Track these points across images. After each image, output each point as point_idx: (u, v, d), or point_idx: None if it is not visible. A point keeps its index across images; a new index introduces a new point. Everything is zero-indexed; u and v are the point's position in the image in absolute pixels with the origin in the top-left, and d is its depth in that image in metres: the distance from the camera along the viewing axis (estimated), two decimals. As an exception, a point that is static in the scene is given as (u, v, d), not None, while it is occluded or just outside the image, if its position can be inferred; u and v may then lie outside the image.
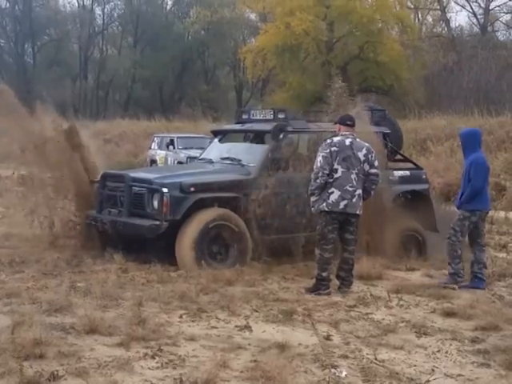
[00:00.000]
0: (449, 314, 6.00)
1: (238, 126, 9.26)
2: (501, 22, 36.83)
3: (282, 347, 4.87)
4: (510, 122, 20.50)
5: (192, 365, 4.47)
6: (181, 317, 5.61)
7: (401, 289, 6.78)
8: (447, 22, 36.58)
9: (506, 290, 6.98)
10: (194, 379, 4.14)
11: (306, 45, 29.73)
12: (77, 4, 48.25)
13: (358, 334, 5.35)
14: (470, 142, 7.24)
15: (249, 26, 42.05)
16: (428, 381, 4.35)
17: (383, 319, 5.79)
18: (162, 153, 21.12)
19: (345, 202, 6.65)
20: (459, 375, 4.51)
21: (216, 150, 9.19)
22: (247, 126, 8.98)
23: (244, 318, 5.66)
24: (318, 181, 6.67)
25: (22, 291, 6.08)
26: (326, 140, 6.86)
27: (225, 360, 4.52)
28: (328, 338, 5.21)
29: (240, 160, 8.41)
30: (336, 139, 6.77)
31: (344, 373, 4.44)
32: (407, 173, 8.97)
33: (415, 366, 4.67)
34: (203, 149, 21.18)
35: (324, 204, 6.68)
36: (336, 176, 6.67)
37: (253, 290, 6.63)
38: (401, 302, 6.37)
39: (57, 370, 4.18)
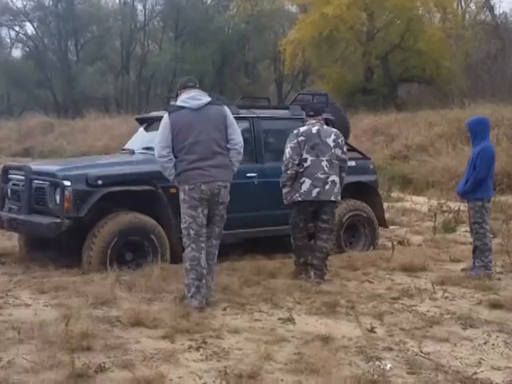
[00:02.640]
0: (495, 305, 5.92)
1: (163, 113, 8.61)
2: (546, 7, 35.93)
3: (326, 339, 4.87)
4: (556, 109, 20.03)
5: (236, 357, 4.51)
6: (224, 309, 5.65)
7: (445, 280, 6.71)
8: (491, 8, 35.81)
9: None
10: (239, 371, 4.17)
11: (344, 35, 29.46)
12: (118, 1, 48.71)
13: (402, 326, 5.31)
14: (479, 130, 7.14)
15: (289, 18, 41.83)
16: (475, 373, 4.30)
17: (428, 311, 5.74)
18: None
19: (317, 189, 6.70)
20: (506, 367, 4.45)
21: (140, 139, 8.31)
22: None
23: (287, 310, 5.67)
24: (288, 172, 6.75)
25: (68, 285, 6.19)
26: (292, 131, 6.91)
27: (268, 352, 4.54)
28: (372, 330, 5.18)
29: None
30: (302, 129, 6.86)
31: (389, 365, 4.42)
32: (352, 163, 7.99)
33: (461, 358, 4.63)
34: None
35: (297, 194, 6.77)
36: (306, 165, 6.73)
37: (295, 282, 6.63)
38: (446, 294, 6.30)
39: (104, 362, 4.26)
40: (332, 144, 6.82)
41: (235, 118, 7.97)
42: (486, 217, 7.14)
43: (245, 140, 7.73)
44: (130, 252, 6.92)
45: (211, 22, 42.45)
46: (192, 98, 5.78)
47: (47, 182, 6.90)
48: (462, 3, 36.15)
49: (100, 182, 6.77)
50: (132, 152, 7.99)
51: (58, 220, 6.65)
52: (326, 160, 6.76)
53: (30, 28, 47.61)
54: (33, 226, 6.91)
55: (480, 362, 4.54)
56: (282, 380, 4.15)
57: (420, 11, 30.68)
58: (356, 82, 30.49)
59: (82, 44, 48.14)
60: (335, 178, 6.79)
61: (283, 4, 41.67)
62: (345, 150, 6.96)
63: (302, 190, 6.75)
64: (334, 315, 5.57)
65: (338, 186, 6.82)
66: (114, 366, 4.25)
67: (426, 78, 29.64)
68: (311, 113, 7.01)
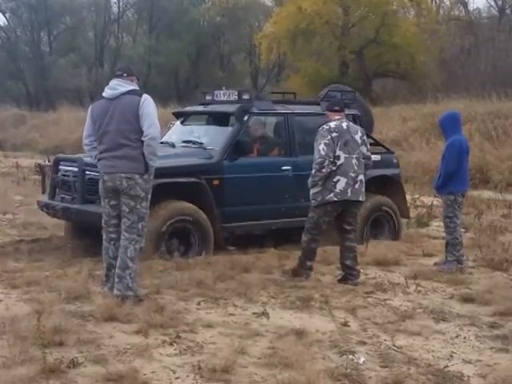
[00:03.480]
0: (467, 299, 5.99)
1: (200, 108, 8.93)
2: (519, 3, 36.30)
3: (300, 334, 4.88)
4: (528, 105, 20.28)
5: (210, 351, 4.50)
6: (198, 304, 5.64)
7: (418, 274, 6.77)
8: (465, 4, 36.13)
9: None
10: (213, 366, 4.17)
11: (320, 29, 29.51)
12: (92, -8, 48.25)
13: (375, 320, 5.35)
14: (449, 125, 7.19)
15: (264, 12, 41.79)
16: (446, 366, 4.35)
17: (401, 305, 5.79)
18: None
19: (351, 188, 6.41)
20: (477, 361, 4.50)
21: (178, 132, 8.77)
22: (210, 108, 8.64)
23: (261, 304, 5.68)
24: (323, 170, 6.34)
25: (41, 279, 6.13)
26: (321, 127, 6.52)
27: (242, 347, 4.54)
28: (345, 324, 5.21)
29: (202, 143, 8.11)
30: (333, 124, 6.49)
31: (362, 359, 4.45)
32: (378, 157, 8.44)
33: (433, 351, 4.67)
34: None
35: (332, 194, 6.38)
36: (339, 163, 6.39)
37: (269, 276, 6.64)
38: (418, 288, 6.35)
39: (76, 357, 4.23)
40: (360, 141, 6.54)
41: (271, 113, 8.38)
42: (457, 211, 7.19)
43: (279, 134, 8.33)
44: (177, 240, 7.24)
45: (186, 15, 42.26)
46: (110, 87, 5.65)
47: (100, 174, 6.96)
48: (436, -1, 36.38)
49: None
50: (173, 145, 8.26)
51: None
52: (356, 158, 6.47)
53: (1, 19, 47.29)
54: (87, 215, 7.10)
55: (452, 356, 4.59)
56: (256, 374, 4.16)
57: (395, 6, 30.85)
58: (331, 76, 30.53)
59: (54, 35, 47.67)
60: (362, 177, 6.53)
61: (258, -3, 41.64)
62: (369, 147, 6.75)
63: (337, 190, 6.37)
64: (308, 309, 5.59)
65: (363, 185, 6.57)
66: (86, 361, 4.22)
67: (400, 73, 29.85)
68: (336, 108, 6.67)
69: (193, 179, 7.35)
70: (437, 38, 30.82)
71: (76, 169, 7.43)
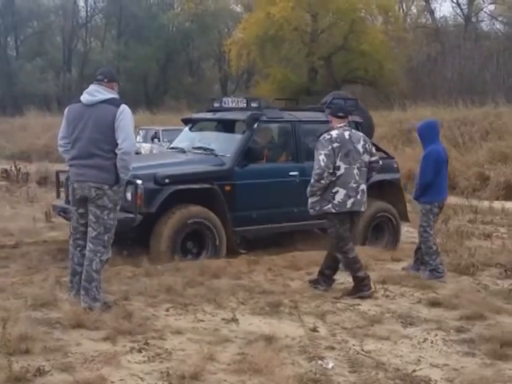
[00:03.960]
0: (434, 303, 6.04)
1: (210, 115, 9.06)
2: (485, 12, 36.97)
3: (269, 339, 4.88)
4: (493, 112, 20.63)
5: (179, 358, 4.48)
6: (167, 310, 5.60)
7: (386, 279, 6.81)
8: (431, 12, 36.67)
9: (491, 280, 7.02)
10: (181, 372, 4.15)
11: (289, 35, 29.67)
12: (59, -4, 47.85)
13: (344, 325, 5.37)
14: (426, 134, 7.19)
15: (233, 18, 41.89)
16: (414, 371, 4.38)
17: (369, 310, 5.82)
18: (147, 146, 21.04)
19: (351, 200, 6.28)
20: (445, 365, 4.54)
21: (187, 139, 9.01)
22: (220, 115, 8.79)
23: (230, 310, 5.67)
24: (322, 182, 6.21)
25: (6, 286, 6.04)
26: (323, 136, 6.37)
27: (212, 353, 4.53)
28: (314, 329, 5.22)
29: (213, 150, 8.29)
30: (335, 133, 6.31)
31: (331, 364, 4.46)
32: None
33: (401, 356, 4.70)
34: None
35: (330, 205, 6.28)
36: (339, 173, 6.25)
37: (239, 282, 6.63)
38: (386, 293, 6.40)
39: (43, 366, 4.16)
40: (361, 150, 6.38)
41: (279, 121, 8.52)
42: (431, 221, 7.13)
43: (287, 141, 8.65)
44: (192, 243, 7.47)
45: (155, 20, 42.21)
46: (88, 92, 5.52)
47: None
48: (404, 6, 36.85)
49: (167, 181, 7.33)
50: (183, 151, 8.55)
51: (132, 215, 7.09)
52: (357, 168, 6.33)
53: (-33, 23, 46.40)
54: None
55: (419, 360, 4.63)
56: (225, 380, 4.14)
57: (363, 13, 31.17)
58: (300, 82, 30.77)
59: (21, 40, 47.21)
60: (364, 186, 6.42)
61: (228, 3, 41.73)
62: (373, 151, 6.61)
63: (335, 201, 6.26)
64: (278, 315, 5.59)
65: (365, 194, 6.46)
66: (53, 369, 4.16)
67: (368, 80, 30.16)
68: (340, 114, 6.48)
69: (206, 185, 7.58)
70: (404, 45, 31.21)
71: None
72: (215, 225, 7.51)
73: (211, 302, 5.85)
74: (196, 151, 8.44)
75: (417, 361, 4.61)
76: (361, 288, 6.29)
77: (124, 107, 5.42)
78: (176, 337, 4.93)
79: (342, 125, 6.43)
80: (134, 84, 43.55)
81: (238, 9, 43.28)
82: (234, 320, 5.39)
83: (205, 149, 8.41)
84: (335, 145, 6.24)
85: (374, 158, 6.56)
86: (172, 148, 9.09)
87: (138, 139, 22.07)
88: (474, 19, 36.28)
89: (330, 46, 30.00)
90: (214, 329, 5.17)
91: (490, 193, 15.77)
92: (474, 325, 5.40)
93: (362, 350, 4.77)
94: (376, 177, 7.82)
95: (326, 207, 6.31)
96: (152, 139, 20.82)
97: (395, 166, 9.32)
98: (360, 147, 6.39)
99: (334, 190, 6.27)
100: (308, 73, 30.81)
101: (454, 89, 25.82)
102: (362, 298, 6.17)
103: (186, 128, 9.30)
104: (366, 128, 8.76)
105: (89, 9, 47.11)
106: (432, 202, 7.12)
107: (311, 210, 6.45)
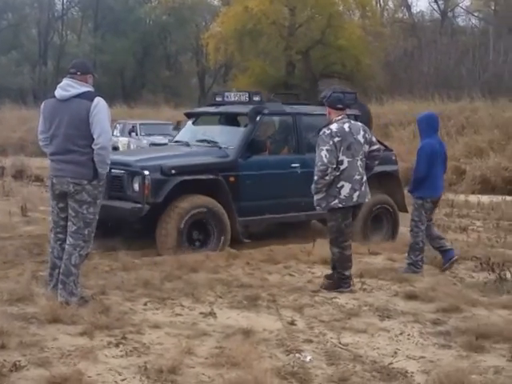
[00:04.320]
0: (411, 296, 6.08)
1: (212, 109, 9.27)
2: (461, 7, 37.27)
3: (247, 333, 4.88)
4: (469, 107, 20.82)
5: (157, 352, 4.46)
6: (145, 304, 5.58)
7: (364, 273, 6.84)
8: (408, 7, 36.89)
9: (467, 273, 7.09)
10: (159, 367, 4.13)
11: (267, 29, 29.66)
12: (35, -12, 47.29)
13: (322, 318, 5.39)
14: (424, 126, 7.17)
15: (211, 11, 41.76)
16: (391, 363, 4.41)
17: (347, 303, 5.85)
18: (125, 139, 20.95)
19: (357, 193, 6.22)
20: (421, 357, 4.58)
21: (191, 132, 9.24)
22: (223, 109, 8.99)
23: (208, 304, 5.66)
24: (326, 178, 6.12)
25: (-18, 281, 5.99)
26: (323, 130, 6.27)
27: (189, 347, 4.52)
28: (292, 322, 5.24)
29: (217, 142, 8.51)
30: (334, 127, 6.21)
31: (308, 357, 4.48)
32: None
33: (378, 348, 4.73)
34: (166, 135, 21.18)
35: (336, 201, 6.19)
36: (342, 168, 6.17)
37: (217, 276, 6.62)
38: (364, 286, 6.43)
39: (19, 361, 4.13)
40: (362, 141, 6.29)
41: (281, 114, 8.72)
42: (423, 216, 7.05)
43: (288, 134, 8.84)
44: (197, 232, 7.66)
45: (132, 13, 41.94)
46: (61, 87, 5.45)
47: (125, 172, 7.59)
48: (381, 1, 37.02)
49: (173, 172, 7.53)
50: (187, 144, 8.75)
51: (140, 205, 7.36)
52: (360, 159, 6.27)
53: None
54: (115, 210, 7.44)
55: (396, 352, 4.66)
56: (203, 374, 4.14)
57: (340, 8, 31.23)
58: (278, 76, 30.77)
59: (-4, 32, 46.58)
60: (365, 177, 6.37)
61: (205, -4, 41.56)
62: (373, 140, 6.47)
63: (341, 196, 6.18)
64: (256, 308, 5.60)
65: (367, 185, 6.41)
66: (29, 364, 4.13)
67: (346, 74, 30.24)
68: (339, 105, 6.38)
69: (211, 176, 7.80)
70: (381, 40, 31.33)
71: None
72: (220, 215, 7.69)
73: (189, 296, 5.84)
74: (200, 144, 8.67)
75: (393, 353, 4.64)
76: (341, 284, 6.28)
77: (98, 100, 5.35)
78: (154, 331, 4.91)
79: (340, 117, 6.34)
80: (110, 77, 43.23)
81: (216, 2, 43.22)
82: (212, 314, 5.38)
83: (208, 141, 8.64)
84: (336, 139, 6.15)
85: (374, 147, 6.46)
86: (176, 141, 9.30)
87: (115, 133, 21.95)
88: (450, 14, 36.59)
89: (307, 40, 30.03)
90: (192, 323, 5.16)
91: (466, 187, 15.94)
92: (450, 317, 5.45)
93: (340, 343, 4.79)
94: (376, 168, 7.93)
95: (332, 203, 6.21)
96: (129, 133, 20.73)
97: (393, 158, 9.51)
98: (360, 138, 6.31)
99: (339, 185, 6.19)
100: (286, 67, 30.84)
101: (431, 83, 26.00)
102: (339, 292, 6.20)
103: (189, 122, 9.50)
104: (365, 121, 8.82)
105: (65, 1, 46.73)
106: (424, 197, 7.05)
107: (318, 207, 6.37)
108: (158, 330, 4.93)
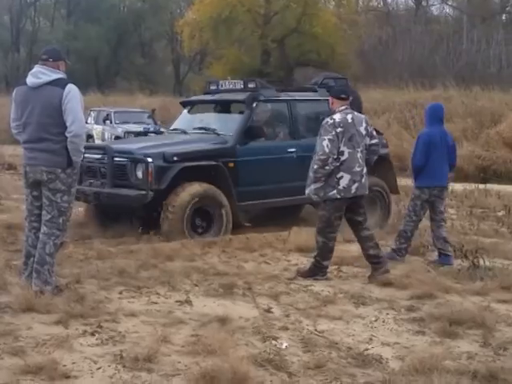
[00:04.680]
0: (385, 284, 6.13)
1: (209, 97, 9.40)
2: (435, -4, 37.42)
3: (223, 321, 4.88)
4: (443, 95, 20.93)
5: (132, 341, 4.45)
6: (120, 293, 5.56)
7: (339, 260, 6.88)
8: (383, -5, 36.97)
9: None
10: (135, 355, 4.12)
11: (242, 17, 29.54)
12: (6, -27, 46.56)
13: (298, 305, 5.41)
14: (428, 116, 7.10)
15: (185, -2, 41.49)
16: (366, 349, 4.44)
17: (322, 291, 5.87)
18: (99, 127, 20.78)
19: (356, 185, 6.18)
20: (396, 343, 4.62)
21: (187, 120, 9.42)
22: (219, 97, 9.16)
23: (184, 292, 5.65)
24: (326, 168, 6.09)
25: (-46, 271, 5.91)
26: (326, 120, 6.23)
27: (165, 335, 4.51)
28: (268, 310, 5.25)
29: (214, 129, 8.68)
30: (338, 118, 6.16)
31: (284, 344, 4.49)
32: None
33: (353, 335, 4.76)
34: (141, 123, 21.04)
35: (334, 191, 6.15)
36: (343, 158, 6.13)
37: (193, 264, 6.62)
38: (340, 274, 6.47)
39: (-7, 350, 4.10)
40: (364, 133, 6.26)
41: (276, 100, 8.86)
42: (418, 208, 6.99)
43: (284, 120, 9.07)
44: (200, 219, 7.84)
45: (105, 0, 41.44)
46: (33, 74, 5.37)
47: (128, 160, 7.73)
48: (356, -11, 37.04)
49: (175, 159, 7.68)
50: (185, 132, 8.93)
51: (144, 192, 7.49)
52: (360, 151, 6.23)
53: None
54: (120, 197, 7.68)
55: (371, 339, 4.70)
56: (179, 362, 4.13)
57: (316, -5, 31.18)
58: (253, 64, 30.68)
59: (-33, 18, 45.86)
60: (365, 169, 6.33)
61: (180, -16, 41.24)
62: (374, 134, 6.43)
63: (340, 187, 6.14)
64: (232, 296, 5.60)
65: (367, 177, 6.38)
66: (3, 354, 4.09)
67: (321, 62, 30.22)
68: (343, 95, 6.32)
69: (212, 162, 7.97)
70: (356, 28, 31.38)
71: (101, 156, 7.99)
72: (222, 200, 7.86)
73: (165, 285, 5.83)
74: (197, 131, 8.83)
75: (369, 340, 4.68)
76: (317, 272, 6.29)
77: (70, 88, 5.29)
78: (129, 319, 4.89)
79: (343, 107, 6.27)
80: (84, 65, 42.79)
81: (191, -11, 42.87)
82: (188, 302, 5.38)
83: (206, 129, 8.80)
84: (339, 130, 6.11)
85: (374, 141, 6.43)
86: (173, 129, 9.42)
87: (89, 121, 21.76)
88: (424, 3, 36.73)
89: (282, 29, 29.96)
90: (168, 311, 5.15)
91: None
92: (424, 304, 5.50)
93: (316, 330, 4.82)
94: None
95: (330, 193, 6.17)
96: (104, 121, 20.56)
97: (384, 141, 9.62)
98: (363, 130, 6.27)
99: (338, 176, 6.15)
100: (261, 55, 30.76)
101: (405, 72, 26.13)
102: (315, 280, 6.20)
103: (185, 110, 9.66)
104: (357, 106, 8.95)
105: (37, -13, 46.06)
106: (421, 186, 6.98)
107: (314, 196, 6.28)
108: (133, 319, 4.91)
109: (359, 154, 6.23)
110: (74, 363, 4.04)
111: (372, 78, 25.30)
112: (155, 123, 20.73)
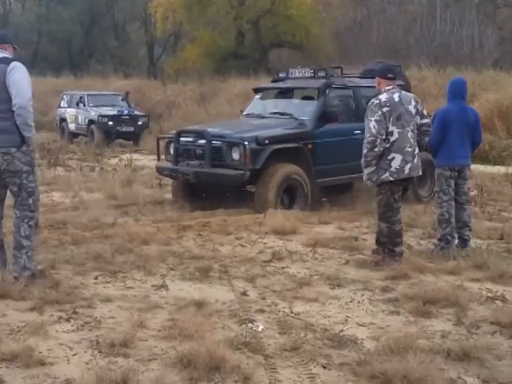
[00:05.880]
0: (361, 264, 6.18)
1: (282, 84, 10.19)
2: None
3: (200, 304, 4.90)
4: (417, 75, 20.98)
5: (108, 326, 4.44)
6: (96, 278, 5.55)
7: (315, 242, 6.91)
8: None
9: (414, 240, 7.22)
10: (111, 340, 4.12)
11: (216, -2, 29.33)
12: (-25, -46, 45.62)
13: (273, 288, 5.43)
14: (449, 91, 6.84)
15: (159, -21, 41.01)
16: (341, 330, 4.48)
17: (298, 273, 5.90)
18: (72, 111, 20.56)
19: (409, 165, 6.04)
20: (371, 323, 4.67)
21: (261, 105, 10.18)
22: (293, 83, 9.98)
23: (160, 276, 5.65)
24: (375, 150, 5.97)
25: None
26: (371, 101, 6.16)
27: (142, 320, 4.52)
28: (244, 293, 5.27)
29: (291, 114, 9.44)
30: (384, 97, 6.06)
31: (261, 327, 4.52)
32: None
33: (329, 317, 4.80)
34: (116, 106, 20.82)
35: (387, 174, 6.02)
36: (393, 139, 5.99)
37: (168, 248, 6.61)
38: (315, 256, 6.50)
39: (-33, 338, 4.07)
40: (414, 111, 6.12)
41: (344, 87, 9.70)
42: (444, 186, 6.64)
43: (350, 104, 9.82)
44: (286, 195, 8.67)
45: (78, -19, 40.83)
46: None
47: (224, 143, 8.56)
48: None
49: (267, 142, 8.52)
50: (261, 116, 9.74)
51: (242, 172, 8.36)
52: (411, 130, 6.07)
53: None
54: (220, 177, 8.57)
55: (346, 320, 4.74)
56: (156, 347, 4.14)
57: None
58: (228, 46, 30.50)
59: None
60: (417, 149, 6.17)
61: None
62: (424, 113, 6.28)
63: (392, 168, 6.00)
64: (208, 280, 5.62)
65: (419, 157, 6.22)
66: (-22, 342, 4.07)
67: (296, 44, 30.12)
68: (390, 75, 6.22)
69: (297, 145, 8.83)
70: (331, 9, 31.25)
71: (198, 139, 8.88)
72: (304, 178, 8.74)
73: (140, 269, 5.82)
74: (274, 116, 9.61)
75: (344, 321, 4.72)
76: (392, 262, 6.08)
77: (15, 64, 5.25)
78: (105, 305, 4.89)
79: (390, 87, 6.17)
80: (57, 47, 42.31)
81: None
82: (164, 286, 5.38)
83: (282, 113, 9.58)
84: (385, 109, 6.00)
85: (425, 121, 6.26)
86: (247, 114, 10.17)
87: (62, 104, 21.55)
88: (398, -16, 36.69)
89: (257, 10, 29.75)
90: (144, 295, 5.15)
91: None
92: (398, 284, 5.56)
93: (292, 312, 4.85)
94: None
95: (383, 176, 6.05)
96: (77, 104, 20.34)
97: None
98: (412, 108, 6.14)
99: (389, 157, 6.02)
100: (236, 36, 30.56)
101: (379, 52, 26.10)
102: (392, 269, 5.90)
103: (257, 96, 10.44)
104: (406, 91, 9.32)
105: (7, -32, 45.20)
106: (441, 165, 6.68)
107: (368, 182, 6.22)
108: (109, 304, 4.91)
109: (410, 134, 6.08)
110: (49, 350, 4.03)
111: (347, 59, 25.26)
112: (129, 106, 20.57)
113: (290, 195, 8.70)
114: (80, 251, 6.27)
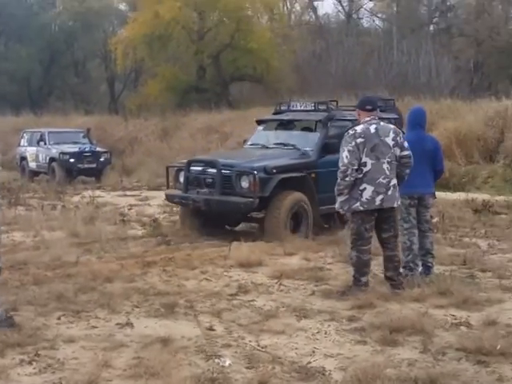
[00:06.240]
0: (327, 295, 6.18)
1: (285, 116, 10.60)
2: (364, 9, 38.20)
3: (165, 341, 4.84)
4: (377, 106, 21.34)
5: (72, 367, 4.36)
6: (59, 318, 5.44)
7: (280, 274, 6.90)
8: (314, 9, 37.53)
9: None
10: (75, 382, 4.04)
11: (177, 34, 29.48)
12: None
13: (240, 321, 5.40)
14: (408, 120, 6.93)
15: (118, 16, 41.14)
16: (309, 362, 4.46)
17: (264, 305, 5.88)
18: (33, 149, 20.34)
19: (380, 196, 6.08)
20: (338, 354, 4.66)
21: (263, 136, 10.67)
22: (294, 116, 10.46)
23: (125, 314, 5.57)
24: (347, 179, 6.05)
25: None
26: (347, 132, 6.25)
27: (106, 359, 4.44)
28: (211, 328, 5.22)
29: (294, 145, 9.91)
30: (359, 128, 6.15)
31: (228, 362, 4.47)
32: None
33: (297, 348, 4.78)
34: (77, 143, 20.65)
35: (358, 204, 6.09)
36: (366, 170, 6.06)
37: (133, 285, 6.54)
38: (281, 287, 6.49)
39: None
40: (391, 143, 6.14)
41: (343, 120, 9.98)
42: (404, 214, 6.70)
43: None
44: (290, 221, 9.07)
45: (36, 19, 40.75)
46: None
47: (233, 172, 9.00)
48: (288, 4, 37.50)
49: (274, 171, 8.99)
50: (266, 147, 10.22)
51: (251, 199, 8.78)
52: (387, 162, 6.11)
53: None
54: (229, 204, 9.00)
55: (314, 351, 4.72)
56: (121, 387, 4.07)
57: (249, 12, 31.39)
58: (189, 80, 30.64)
59: None
60: (395, 181, 6.19)
61: (112, 1, 40.97)
62: (406, 145, 6.25)
63: (363, 199, 6.07)
64: (174, 316, 5.55)
65: (398, 189, 6.23)
66: None
67: (256, 77, 30.41)
68: (369, 107, 6.27)
69: (302, 174, 9.33)
70: (290, 42, 31.71)
71: (208, 168, 9.34)
72: (309, 205, 9.20)
73: (104, 307, 5.73)
74: (277, 146, 10.10)
75: (312, 352, 4.70)
76: (357, 291, 6.10)
77: None
78: (68, 345, 4.79)
79: (369, 118, 6.22)
80: (16, 86, 41.90)
81: (123, 7, 42.60)
82: (129, 324, 5.30)
83: (285, 144, 10.06)
84: (359, 140, 6.07)
85: (405, 153, 6.25)
86: (251, 144, 10.62)
87: (22, 143, 21.31)
88: (355, 16, 37.43)
89: (217, 45, 30.01)
90: (109, 334, 5.06)
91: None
92: (364, 313, 5.57)
93: (259, 346, 4.82)
94: None
95: (354, 206, 6.12)
96: (38, 142, 20.14)
97: None
98: (389, 140, 6.15)
99: (361, 188, 6.10)
100: (197, 71, 30.72)
101: (338, 84, 26.47)
102: (357, 299, 5.92)
103: (260, 127, 10.95)
104: (399, 124, 9.74)
105: (-36, 8, 44.91)
106: (400, 193, 6.50)
107: (340, 210, 6.27)
108: (72, 345, 4.82)
109: (386, 166, 6.12)
110: (11, 394, 3.93)
111: (307, 91, 25.57)
112: (91, 143, 20.45)
113: (294, 221, 9.12)
114: (42, 291, 6.15)
